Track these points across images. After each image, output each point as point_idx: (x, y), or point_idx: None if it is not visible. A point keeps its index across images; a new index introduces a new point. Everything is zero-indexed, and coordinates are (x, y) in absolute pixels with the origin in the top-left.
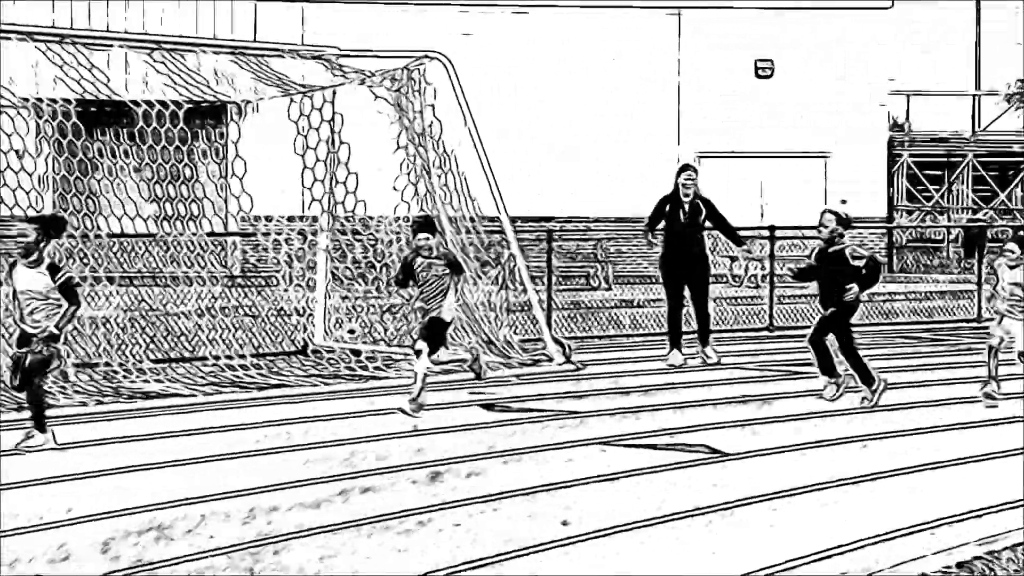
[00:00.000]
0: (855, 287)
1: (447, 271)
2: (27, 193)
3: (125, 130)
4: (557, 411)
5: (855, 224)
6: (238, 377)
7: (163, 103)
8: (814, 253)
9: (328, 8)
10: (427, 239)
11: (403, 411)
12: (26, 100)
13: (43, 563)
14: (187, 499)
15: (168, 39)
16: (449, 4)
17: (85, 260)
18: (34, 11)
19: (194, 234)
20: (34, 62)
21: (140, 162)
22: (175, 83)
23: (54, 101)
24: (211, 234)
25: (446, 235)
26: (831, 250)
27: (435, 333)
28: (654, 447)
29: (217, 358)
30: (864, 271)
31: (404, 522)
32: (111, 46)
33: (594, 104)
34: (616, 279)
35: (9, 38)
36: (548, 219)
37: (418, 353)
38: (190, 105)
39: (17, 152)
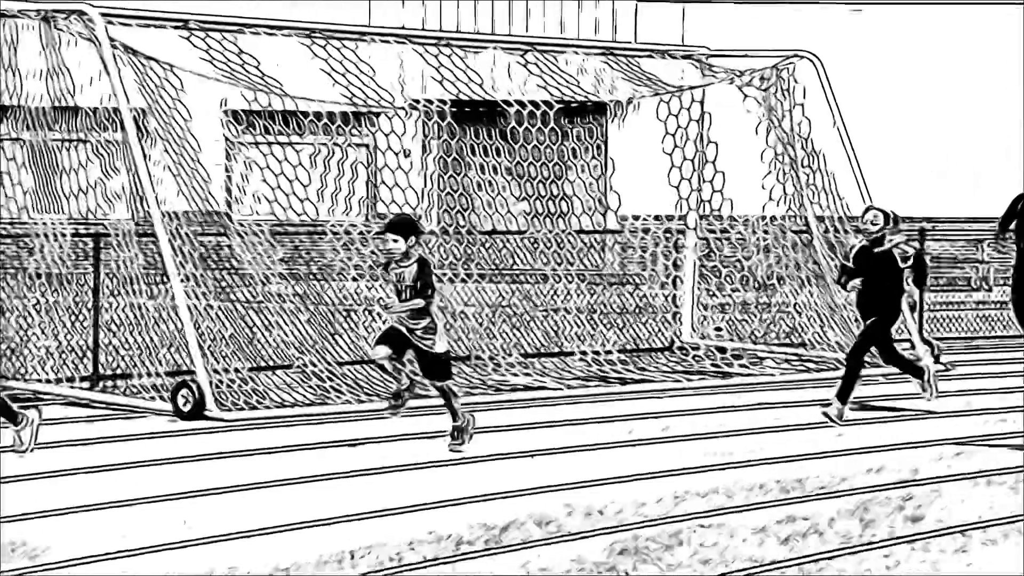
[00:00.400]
0: (856, 281)
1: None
2: (403, 191)
3: (498, 129)
4: (915, 411)
5: None
6: (604, 372)
7: (535, 103)
8: (854, 252)
9: (708, 8)
10: (395, 241)
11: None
12: (408, 101)
13: (448, 541)
14: (545, 487)
15: (541, 40)
16: (829, 3)
17: (457, 256)
18: (413, 15)
19: (564, 232)
20: (416, 65)
21: (512, 161)
22: (547, 83)
23: (430, 102)
24: (580, 232)
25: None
26: (877, 251)
27: (437, 371)
28: (1010, 448)
29: (584, 353)
30: (913, 270)
31: (746, 516)
32: (486, 48)
33: (967, 102)
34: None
35: (388, 41)
36: (921, 219)
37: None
38: (561, 105)
39: (404, 152)
